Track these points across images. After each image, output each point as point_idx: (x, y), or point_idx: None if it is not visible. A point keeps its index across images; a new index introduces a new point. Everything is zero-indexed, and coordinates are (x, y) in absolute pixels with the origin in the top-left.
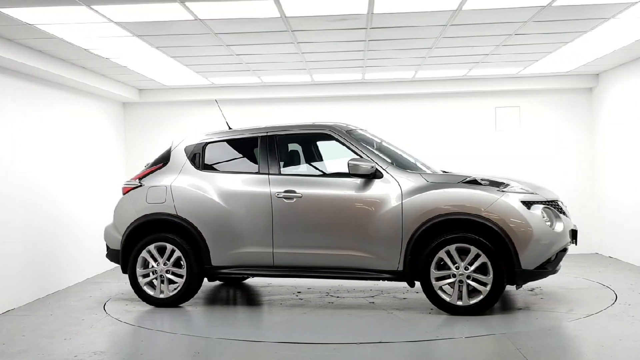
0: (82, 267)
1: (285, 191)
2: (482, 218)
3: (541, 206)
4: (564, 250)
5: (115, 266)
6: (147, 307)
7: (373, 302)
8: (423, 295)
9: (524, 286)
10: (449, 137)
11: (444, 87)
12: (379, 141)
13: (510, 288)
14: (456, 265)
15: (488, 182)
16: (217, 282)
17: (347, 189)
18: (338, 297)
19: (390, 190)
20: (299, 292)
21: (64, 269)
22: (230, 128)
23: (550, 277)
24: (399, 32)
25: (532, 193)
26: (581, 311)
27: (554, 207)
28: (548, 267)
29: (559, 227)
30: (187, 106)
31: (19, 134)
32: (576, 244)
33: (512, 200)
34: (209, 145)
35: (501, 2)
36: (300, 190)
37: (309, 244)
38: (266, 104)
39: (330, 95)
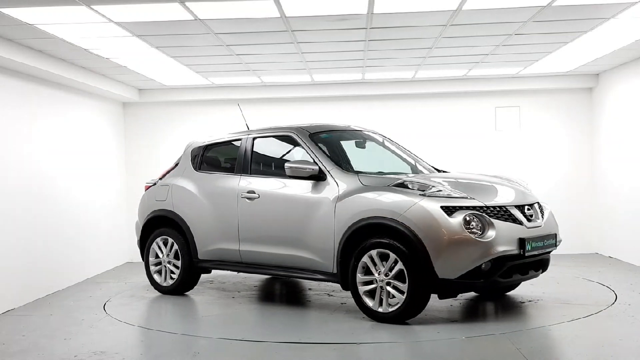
0: (82, 267)
1: (247, 191)
2: (398, 223)
3: (465, 212)
4: (511, 259)
5: (115, 266)
6: (147, 307)
7: None
8: None
9: (524, 286)
10: (449, 137)
11: (444, 87)
12: (381, 140)
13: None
14: (379, 271)
15: (417, 185)
16: (222, 282)
17: (297, 190)
18: (339, 297)
19: (330, 192)
20: (299, 292)
21: (64, 269)
22: (248, 129)
23: (550, 277)
24: (399, 32)
25: (457, 197)
26: (581, 311)
27: (495, 212)
28: (480, 277)
29: (489, 235)
30: (187, 106)
31: (18, 134)
32: (524, 254)
33: (430, 205)
34: (207, 147)
35: (501, 2)
36: (259, 191)
37: (265, 242)
38: (266, 104)
39: (330, 95)
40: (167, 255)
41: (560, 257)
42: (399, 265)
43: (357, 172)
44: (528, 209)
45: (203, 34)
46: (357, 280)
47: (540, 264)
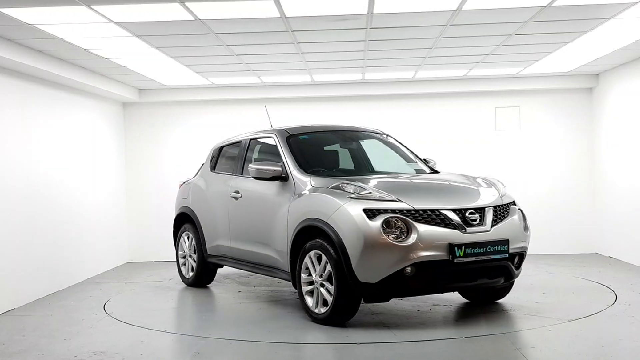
0: (82, 267)
1: (234, 191)
2: (326, 225)
3: (385, 215)
4: (440, 265)
5: (115, 266)
6: (147, 307)
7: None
8: (420, 297)
9: (524, 287)
10: (449, 137)
11: (444, 87)
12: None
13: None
14: (316, 272)
15: (349, 188)
16: (231, 279)
17: (267, 190)
18: None
19: (289, 193)
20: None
21: (64, 269)
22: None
23: (549, 277)
24: (399, 32)
25: (383, 200)
26: (581, 311)
27: (424, 216)
28: (405, 282)
29: (410, 239)
30: (187, 106)
31: (18, 134)
32: (453, 259)
33: (353, 208)
34: (221, 148)
35: (501, 2)
36: (242, 191)
37: (244, 240)
38: (266, 104)
39: (330, 95)
40: (188, 249)
41: (560, 257)
42: (329, 267)
43: (312, 174)
44: (471, 213)
45: (203, 34)
46: (302, 280)
47: (494, 271)
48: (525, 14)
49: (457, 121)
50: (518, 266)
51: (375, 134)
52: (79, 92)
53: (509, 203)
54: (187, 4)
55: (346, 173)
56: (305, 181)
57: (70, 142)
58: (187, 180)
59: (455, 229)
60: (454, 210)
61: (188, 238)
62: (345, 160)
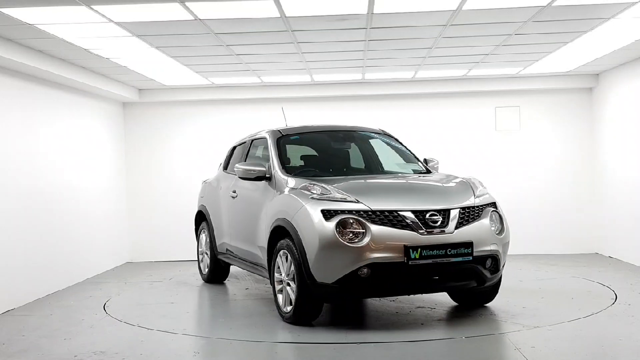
0: (82, 267)
1: (232, 190)
2: (290, 226)
3: (341, 216)
4: (395, 267)
5: (115, 266)
6: (147, 307)
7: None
8: (421, 296)
9: (524, 286)
10: (449, 137)
11: (444, 87)
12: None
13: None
14: (285, 271)
15: (313, 188)
16: (241, 279)
17: (256, 189)
18: None
19: (272, 193)
20: None
21: (64, 269)
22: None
23: (549, 277)
24: (399, 32)
25: (341, 201)
26: (581, 311)
27: (381, 217)
28: (361, 284)
29: (364, 240)
30: (187, 106)
31: (18, 134)
32: (408, 262)
33: (312, 209)
34: (233, 148)
35: (501, 2)
36: (237, 190)
37: (239, 238)
38: (266, 104)
39: (330, 95)
40: (205, 246)
41: (560, 257)
42: (293, 267)
43: (291, 174)
44: (433, 215)
45: (203, 34)
46: (274, 279)
47: (460, 274)
48: (525, 14)
49: (457, 121)
50: (494, 270)
51: (374, 134)
52: (79, 92)
53: (485, 205)
54: (187, 4)
55: (332, 173)
56: (285, 181)
57: (70, 142)
58: (207, 180)
59: (413, 230)
60: (414, 212)
61: (204, 235)
62: (335, 161)
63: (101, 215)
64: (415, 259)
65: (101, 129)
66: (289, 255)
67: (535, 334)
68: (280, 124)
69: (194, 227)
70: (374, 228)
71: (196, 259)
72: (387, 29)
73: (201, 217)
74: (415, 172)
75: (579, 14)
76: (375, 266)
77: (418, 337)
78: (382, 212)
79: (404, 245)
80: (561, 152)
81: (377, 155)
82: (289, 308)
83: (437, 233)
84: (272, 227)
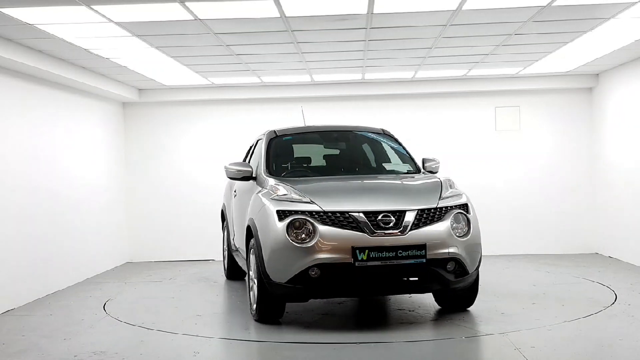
0: (82, 267)
1: (234, 190)
2: (254, 225)
3: (293, 217)
4: (344, 267)
5: (115, 266)
6: (147, 307)
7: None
8: (421, 297)
9: (524, 287)
10: (449, 137)
11: (443, 87)
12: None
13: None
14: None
15: (274, 189)
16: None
17: (246, 189)
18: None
19: (254, 193)
20: None
21: (64, 269)
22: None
23: (549, 277)
24: (399, 32)
25: (295, 202)
26: (581, 311)
27: (332, 218)
28: (312, 284)
29: (312, 241)
30: (187, 106)
31: (18, 134)
32: (355, 263)
33: (269, 209)
34: (250, 148)
35: (501, 2)
36: (237, 190)
37: (237, 237)
38: (266, 104)
39: (330, 95)
40: (225, 244)
41: (560, 257)
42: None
43: (269, 175)
44: (385, 216)
45: (203, 34)
46: (249, 277)
47: (416, 276)
48: (525, 13)
49: (457, 121)
50: (460, 273)
51: (372, 134)
52: (79, 92)
53: (450, 207)
54: (187, 4)
55: (319, 174)
56: (266, 182)
57: (70, 142)
58: None
59: (362, 231)
60: (366, 213)
61: (225, 233)
62: (325, 161)
63: (101, 215)
64: (363, 260)
65: (101, 129)
66: (255, 254)
67: (535, 334)
68: (283, 124)
69: (220, 224)
70: (322, 228)
71: (199, 259)
72: (387, 29)
73: (222, 215)
74: (408, 172)
75: (579, 14)
76: (323, 267)
77: (418, 337)
78: (333, 212)
79: (352, 247)
80: (561, 152)
81: (368, 156)
82: (254, 306)
83: (388, 235)
84: (246, 227)
